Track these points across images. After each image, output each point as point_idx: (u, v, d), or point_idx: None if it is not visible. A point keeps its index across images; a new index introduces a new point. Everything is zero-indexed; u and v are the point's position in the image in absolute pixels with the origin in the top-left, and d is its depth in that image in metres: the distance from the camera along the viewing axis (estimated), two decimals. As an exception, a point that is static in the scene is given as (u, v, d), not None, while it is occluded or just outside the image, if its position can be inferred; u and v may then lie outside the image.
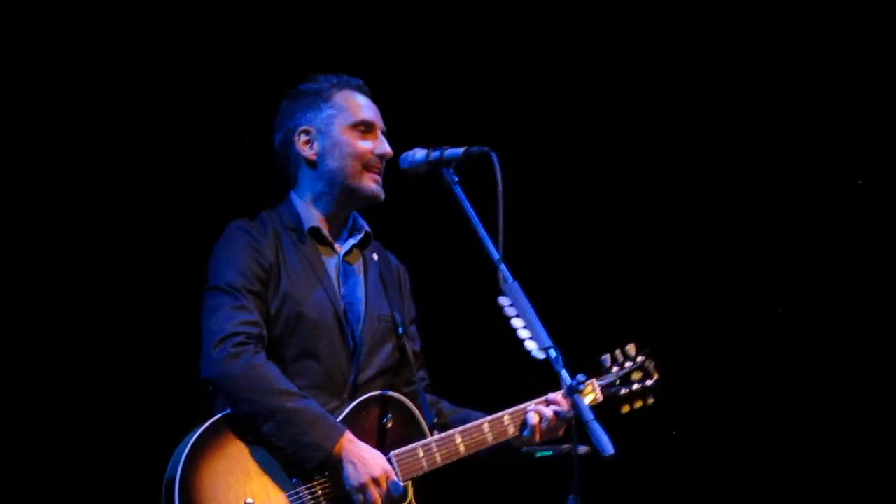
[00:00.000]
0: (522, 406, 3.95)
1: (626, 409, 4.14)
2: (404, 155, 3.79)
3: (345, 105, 3.96)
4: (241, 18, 5.30)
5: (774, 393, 5.92)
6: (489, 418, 3.93)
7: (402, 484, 3.74)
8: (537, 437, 3.90)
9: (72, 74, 5.07)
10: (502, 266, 3.45)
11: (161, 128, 5.19)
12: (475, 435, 3.89)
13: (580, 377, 3.31)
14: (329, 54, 5.37)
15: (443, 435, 3.87)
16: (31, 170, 5.07)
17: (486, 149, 3.56)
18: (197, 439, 3.66)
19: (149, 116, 5.18)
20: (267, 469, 3.70)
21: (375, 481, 3.68)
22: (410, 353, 4.00)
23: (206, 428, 3.69)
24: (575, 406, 3.27)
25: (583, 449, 3.28)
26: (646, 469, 5.78)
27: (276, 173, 4.07)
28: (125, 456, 4.99)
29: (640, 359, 4.19)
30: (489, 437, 3.91)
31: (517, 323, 3.37)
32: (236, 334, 3.71)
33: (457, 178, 3.63)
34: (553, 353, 3.32)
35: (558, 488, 3.32)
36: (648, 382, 4.16)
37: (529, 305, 3.39)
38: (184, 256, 5.07)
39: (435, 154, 3.69)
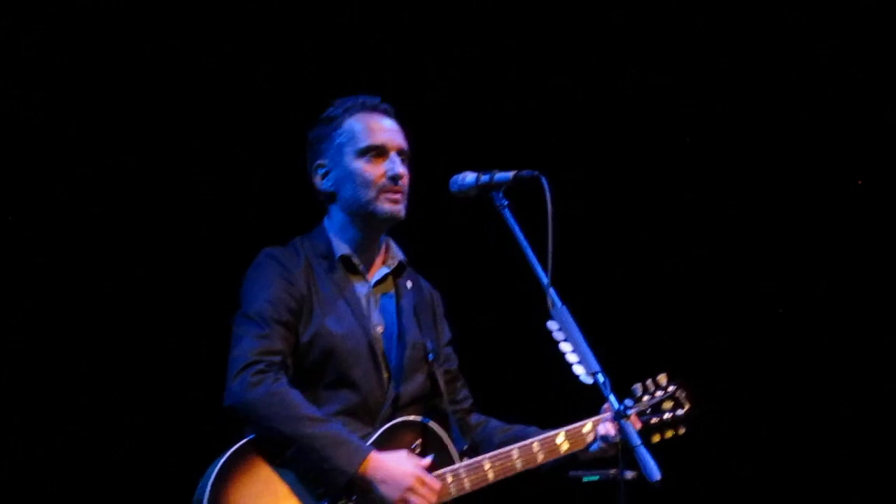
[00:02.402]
0: (554, 432, 3.95)
1: (656, 438, 4.12)
2: (454, 178, 3.79)
3: (353, 131, 3.93)
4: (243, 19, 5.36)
5: (777, 395, 5.96)
6: (518, 445, 3.92)
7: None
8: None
9: (75, 75, 5.11)
10: (551, 290, 3.46)
11: (159, 127, 5.22)
12: (504, 461, 3.89)
13: (628, 402, 3.34)
14: (347, 65, 5.43)
15: (472, 461, 3.87)
16: (31, 171, 5.09)
17: (536, 172, 3.57)
18: (226, 461, 3.65)
19: (146, 116, 5.21)
20: (296, 491, 3.68)
21: (412, 490, 3.67)
22: (441, 381, 3.98)
23: (235, 450, 3.68)
24: (622, 431, 3.29)
25: (629, 474, 3.32)
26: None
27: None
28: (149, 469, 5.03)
29: (671, 388, 4.17)
30: (518, 464, 3.90)
31: (565, 347, 3.40)
32: (257, 362, 3.70)
33: (506, 202, 3.64)
34: (601, 377, 3.35)
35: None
36: (679, 412, 4.14)
37: (578, 330, 3.41)
38: (188, 258, 5.09)
39: (484, 178, 3.69)
